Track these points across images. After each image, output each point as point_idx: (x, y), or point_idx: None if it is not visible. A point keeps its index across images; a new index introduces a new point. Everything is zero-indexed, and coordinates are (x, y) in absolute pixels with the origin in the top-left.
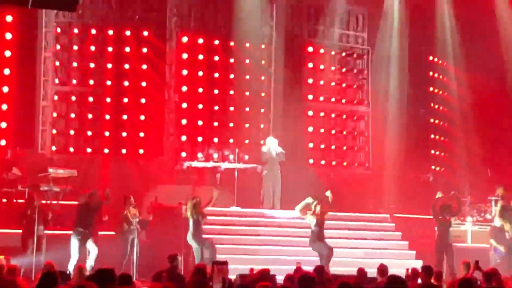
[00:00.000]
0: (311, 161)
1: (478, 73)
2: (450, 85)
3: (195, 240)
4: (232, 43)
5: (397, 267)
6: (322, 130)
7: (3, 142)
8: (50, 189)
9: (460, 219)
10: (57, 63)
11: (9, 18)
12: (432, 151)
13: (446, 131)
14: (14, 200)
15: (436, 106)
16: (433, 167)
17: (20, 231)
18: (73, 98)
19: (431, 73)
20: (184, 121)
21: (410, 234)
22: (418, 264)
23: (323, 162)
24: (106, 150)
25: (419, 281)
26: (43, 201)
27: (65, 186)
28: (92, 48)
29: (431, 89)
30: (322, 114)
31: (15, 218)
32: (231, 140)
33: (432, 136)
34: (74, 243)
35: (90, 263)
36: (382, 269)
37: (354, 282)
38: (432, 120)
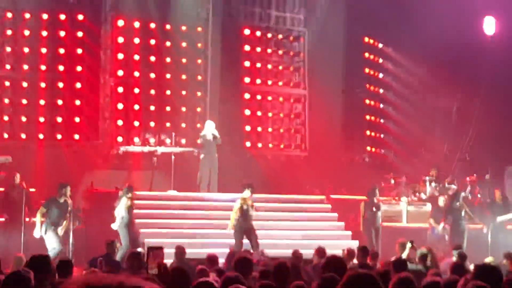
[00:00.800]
0: (248, 144)
1: (413, 53)
2: (386, 66)
3: (128, 229)
4: (168, 26)
5: (334, 248)
6: (259, 113)
7: None
8: None
9: (395, 199)
10: None
11: None
12: (368, 132)
13: (382, 112)
14: None
15: (372, 88)
16: (368, 148)
17: None
18: (7, 83)
19: (366, 55)
20: (120, 106)
21: (346, 215)
22: (354, 245)
23: (260, 145)
24: (41, 136)
25: (355, 261)
26: None
27: None
28: (26, 32)
29: (367, 70)
30: (259, 97)
31: None
32: (167, 124)
33: (367, 117)
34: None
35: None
36: (320, 250)
37: (291, 264)
38: (367, 101)
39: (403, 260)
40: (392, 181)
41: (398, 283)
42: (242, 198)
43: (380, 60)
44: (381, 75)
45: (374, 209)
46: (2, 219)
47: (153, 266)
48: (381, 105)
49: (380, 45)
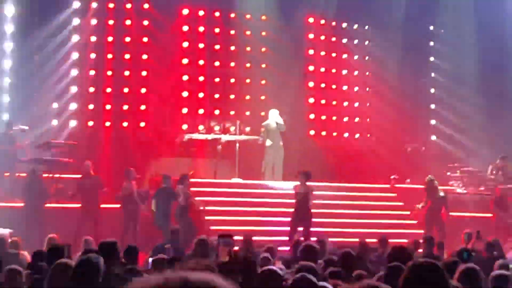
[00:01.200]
0: (312, 132)
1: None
2: (451, 55)
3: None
4: (232, 15)
5: (400, 237)
6: (323, 102)
7: (6, 117)
8: (52, 162)
9: (461, 188)
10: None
11: None
12: (433, 122)
13: (448, 101)
14: (17, 174)
15: (438, 76)
16: (433, 137)
17: (22, 204)
18: (74, 72)
19: (431, 43)
20: (185, 93)
21: (411, 205)
22: (420, 234)
23: (324, 133)
24: (107, 123)
25: (421, 251)
26: (45, 175)
27: (67, 160)
28: (93, 21)
29: (432, 59)
30: (322, 85)
31: (17, 192)
32: (232, 112)
33: (433, 106)
34: None
35: None
36: (382, 239)
37: (357, 253)
38: (433, 90)
39: (468, 250)
40: (458, 172)
41: (464, 274)
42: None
43: (446, 49)
44: (446, 64)
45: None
46: (79, 205)
47: (224, 254)
48: (447, 94)
49: (444, 33)
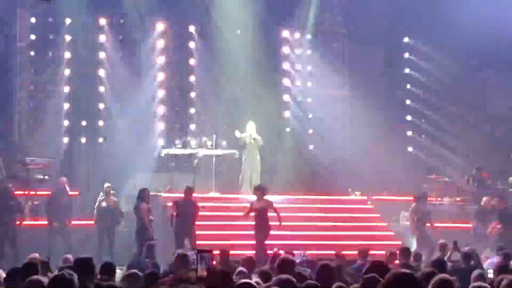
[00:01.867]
0: (288, 145)
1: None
2: (426, 67)
3: None
4: (207, 29)
5: (377, 249)
6: (299, 115)
7: None
8: (27, 179)
9: (437, 199)
10: (32, 53)
11: None
12: (410, 133)
13: (424, 112)
14: None
15: (413, 88)
16: (410, 148)
17: None
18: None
19: (407, 55)
20: (161, 109)
21: (388, 216)
22: (397, 246)
23: (300, 146)
24: (83, 140)
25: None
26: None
27: (43, 176)
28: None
29: (407, 71)
30: (300, 98)
31: None
32: (208, 126)
33: (409, 117)
34: None
35: None
36: (362, 251)
37: (335, 265)
38: (408, 101)
39: (442, 261)
40: (435, 183)
41: (438, 284)
42: None
43: (420, 61)
44: (421, 76)
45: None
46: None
47: (202, 269)
48: (422, 105)
49: (421, 45)
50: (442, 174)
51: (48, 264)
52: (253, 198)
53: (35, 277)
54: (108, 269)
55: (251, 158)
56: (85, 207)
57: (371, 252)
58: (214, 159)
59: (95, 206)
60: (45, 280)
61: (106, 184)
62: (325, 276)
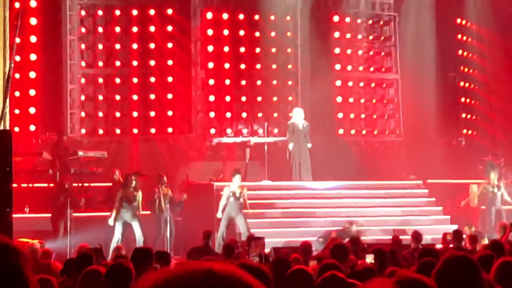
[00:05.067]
0: (341, 131)
1: (508, 33)
2: (480, 47)
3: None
4: (257, 17)
5: (433, 233)
6: (351, 100)
7: (33, 128)
8: (80, 172)
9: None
10: (83, 46)
11: (33, 3)
12: (463, 115)
13: (477, 94)
14: (45, 185)
15: (466, 70)
16: (464, 131)
17: (50, 215)
18: (101, 80)
19: (459, 36)
20: (211, 98)
21: (444, 200)
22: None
23: (353, 131)
24: (135, 130)
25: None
26: (74, 184)
27: (96, 169)
28: (117, 29)
29: (460, 52)
30: (350, 83)
31: (45, 203)
32: (259, 114)
33: (462, 99)
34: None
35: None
36: (416, 235)
37: (390, 250)
38: (462, 83)
39: (500, 243)
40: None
41: (502, 267)
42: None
43: (474, 41)
44: (474, 57)
45: (494, 189)
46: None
47: (254, 255)
48: (476, 87)
49: (473, 26)
50: (497, 156)
51: (101, 251)
52: (308, 184)
53: (92, 267)
54: (164, 258)
55: (299, 145)
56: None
57: (426, 236)
58: (266, 146)
59: (155, 196)
60: (102, 269)
61: (161, 175)
62: (379, 261)
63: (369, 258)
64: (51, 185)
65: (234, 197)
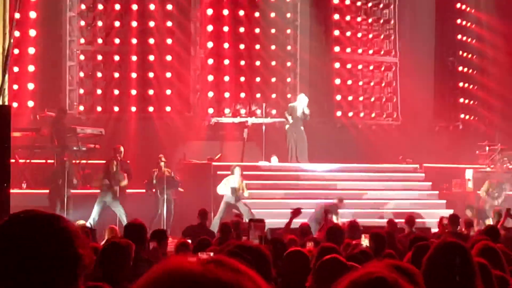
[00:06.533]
0: (338, 113)
1: (508, 19)
2: (479, 32)
3: None
4: None
5: (429, 217)
6: (349, 82)
7: (31, 103)
8: (78, 149)
9: (490, 166)
10: (82, 23)
11: None
12: (461, 100)
13: (475, 79)
14: (43, 161)
15: (465, 54)
16: (462, 115)
17: (47, 191)
18: (99, 57)
19: (458, 21)
20: (210, 77)
21: (440, 184)
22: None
23: (350, 114)
24: (133, 108)
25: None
26: (72, 161)
27: (93, 146)
28: (117, 6)
29: (459, 37)
30: (349, 66)
31: (43, 179)
32: (258, 95)
33: (461, 84)
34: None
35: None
36: (410, 219)
37: (387, 232)
38: (460, 68)
39: (495, 229)
40: (487, 149)
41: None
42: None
43: (473, 26)
44: (473, 41)
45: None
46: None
47: (254, 238)
48: (474, 72)
49: (473, 10)
50: (494, 141)
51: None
52: (305, 166)
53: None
54: (160, 235)
55: (296, 128)
56: (136, 176)
57: (421, 220)
58: (263, 127)
59: (154, 176)
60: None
61: (159, 155)
62: (376, 244)
63: (365, 242)
64: (49, 161)
65: (235, 191)
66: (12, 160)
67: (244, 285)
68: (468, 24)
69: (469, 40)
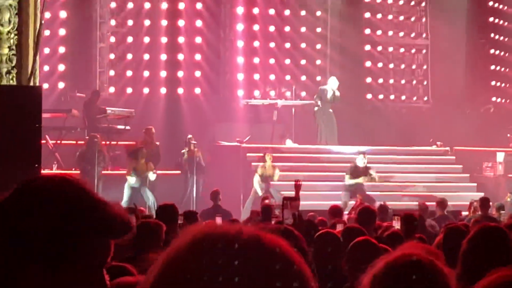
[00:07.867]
0: (369, 96)
1: None
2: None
3: None
4: None
5: (459, 200)
6: (380, 65)
7: (62, 85)
8: (109, 130)
9: None
10: (113, 4)
11: None
12: (493, 82)
13: (508, 61)
14: (73, 142)
15: (497, 36)
16: (494, 98)
17: (78, 172)
18: (130, 39)
19: (491, 3)
20: (240, 59)
21: (471, 167)
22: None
23: (381, 96)
24: (163, 90)
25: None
26: (102, 142)
27: (124, 127)
28: None
29: (491, 19)
30: (379, 48)
31: (73, 160)
32: (287, 77)
33: (492, 67)
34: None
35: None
36: (441, 202)
37: (418, 215)
38: (492, 50)
39: None
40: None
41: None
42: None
43: (505, 8)
44: (506, 23)
45: None
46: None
47: (288, 216)
48: (507, 54)
49: None
50: None
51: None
52: (333, 148)
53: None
54: (191, 216)
55: (324, 111)
56: (165, 157)
57: (453, 203)
58: (293, 109)
59: (184, 158)
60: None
61: (189, 136)
62: (407, 227)
63: (396, 224)
64: (80, 142)
65: (265, 177)
66: (43, 141)
67: (287, 250)
68: (501, 6)
69: (501, 22)
